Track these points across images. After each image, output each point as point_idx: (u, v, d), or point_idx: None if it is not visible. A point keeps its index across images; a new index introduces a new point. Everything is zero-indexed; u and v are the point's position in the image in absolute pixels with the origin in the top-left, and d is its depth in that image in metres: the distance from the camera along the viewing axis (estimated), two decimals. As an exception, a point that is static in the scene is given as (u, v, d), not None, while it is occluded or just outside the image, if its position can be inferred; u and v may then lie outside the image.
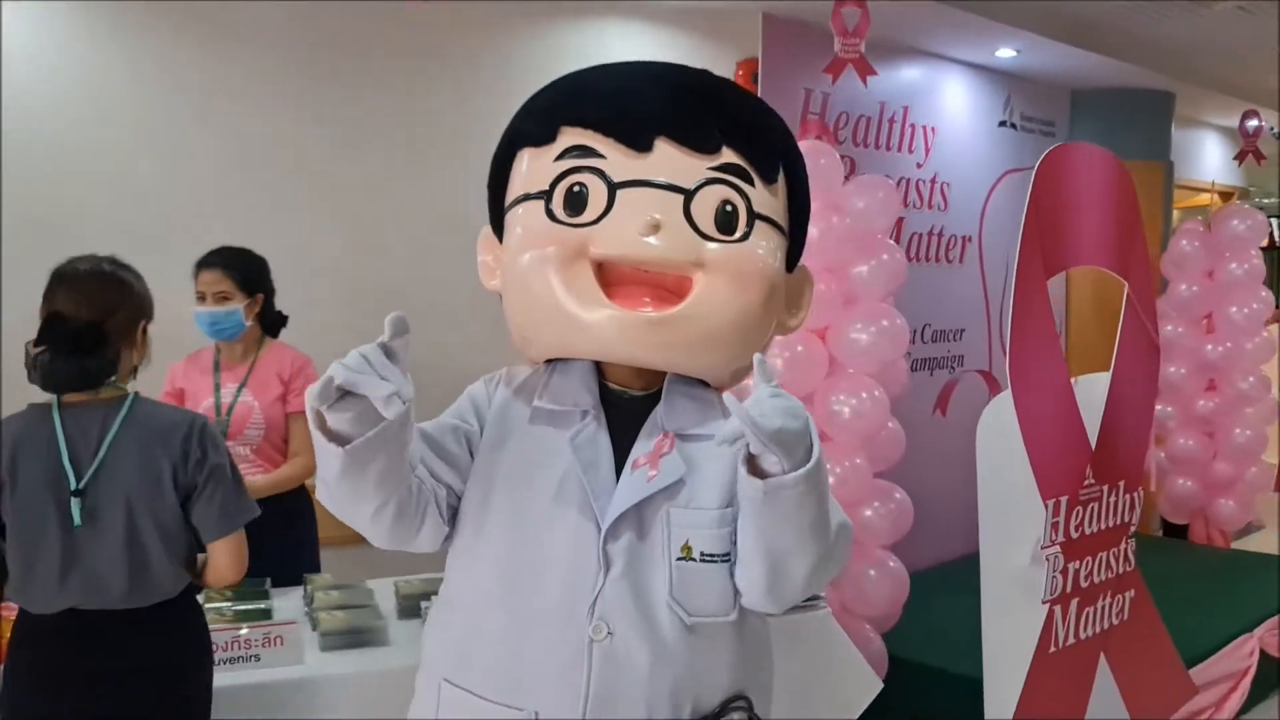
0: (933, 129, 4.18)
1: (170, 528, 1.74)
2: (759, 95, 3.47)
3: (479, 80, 3.57)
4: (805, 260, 2.87)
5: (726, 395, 1.14)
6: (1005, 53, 4.24)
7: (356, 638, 2.17)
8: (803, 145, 2.92)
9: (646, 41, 3.94)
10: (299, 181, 3.45)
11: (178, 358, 2.73)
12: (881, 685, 2.56)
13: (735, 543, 1.31)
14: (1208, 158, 6.57)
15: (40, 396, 1.76)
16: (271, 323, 2.73)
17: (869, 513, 2.99)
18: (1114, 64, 4.44)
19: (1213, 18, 4.12)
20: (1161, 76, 4.78)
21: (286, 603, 2.37)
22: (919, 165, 4.14)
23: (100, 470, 1.70)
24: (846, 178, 3.24)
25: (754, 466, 1.18)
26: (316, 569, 2.69)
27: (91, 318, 1.72)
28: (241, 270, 2.60)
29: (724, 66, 3.80)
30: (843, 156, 3.55)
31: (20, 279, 3.08)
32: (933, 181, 4.19)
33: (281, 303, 2.77)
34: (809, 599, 2.40)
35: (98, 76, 3.20)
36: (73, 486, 1.68)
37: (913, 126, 4.09)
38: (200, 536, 1.79)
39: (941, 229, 4.24)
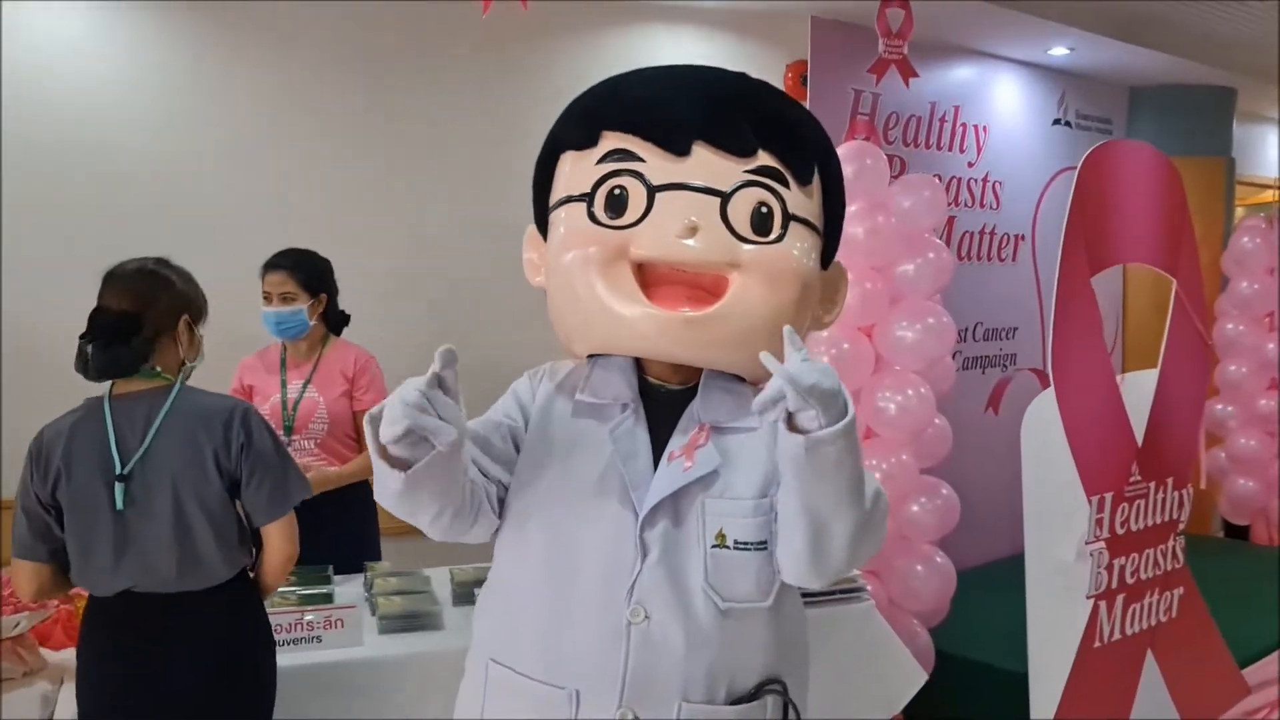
0: (984, 128, 4.17)
1: (217, 513, 1.80)
2: (808, 97, 3.53)
3: (530, 84, 3.67)
4: (851, 259, 2.91)
5: (764, 354, 1.18)
6: (1058, 51, 4.21)
7: (413, 621, 2.26)
8: (850, 146, 3.02)
9: (696, 45, 4.01)
10: (358, 184, 3.59)
11: (245, 354, 2.87)
12: (926, 678, 2.59)
13: (771, 530, 1.35)
14: (1271, 153, 6.42)
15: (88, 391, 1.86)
16: (335, 321, 2.85)
17: (915, 508, 3.02)
18: (1173, 60, 4.38)
19: (1275, 11, 4.05)
20: (1223, 72, 4.70)
21: (348, 589, 2.48)
22: (970, 164, 4.13)
23: (146, 457, 1.77)
24: (896, 177, 3.27)
25: (792, 426, 1.20)
26: (377, 557, 2.79)
27: (128, 309, 1.81)
28: (306, 271, 2.71)
29: (773, 69, 3.84)
30: (892, 157, 3.58)
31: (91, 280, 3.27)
32: (984, 180, 4.18)
33: (342, 302, 2.89)
34: (852, 590, 2.46)
35: (167, 81, 3.39)
36: (117, 472, 1.75)
37: (964, 126, 4.09)
38: (251, 521, 1.86)
39: (994, 228, 4.23)
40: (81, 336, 1.80)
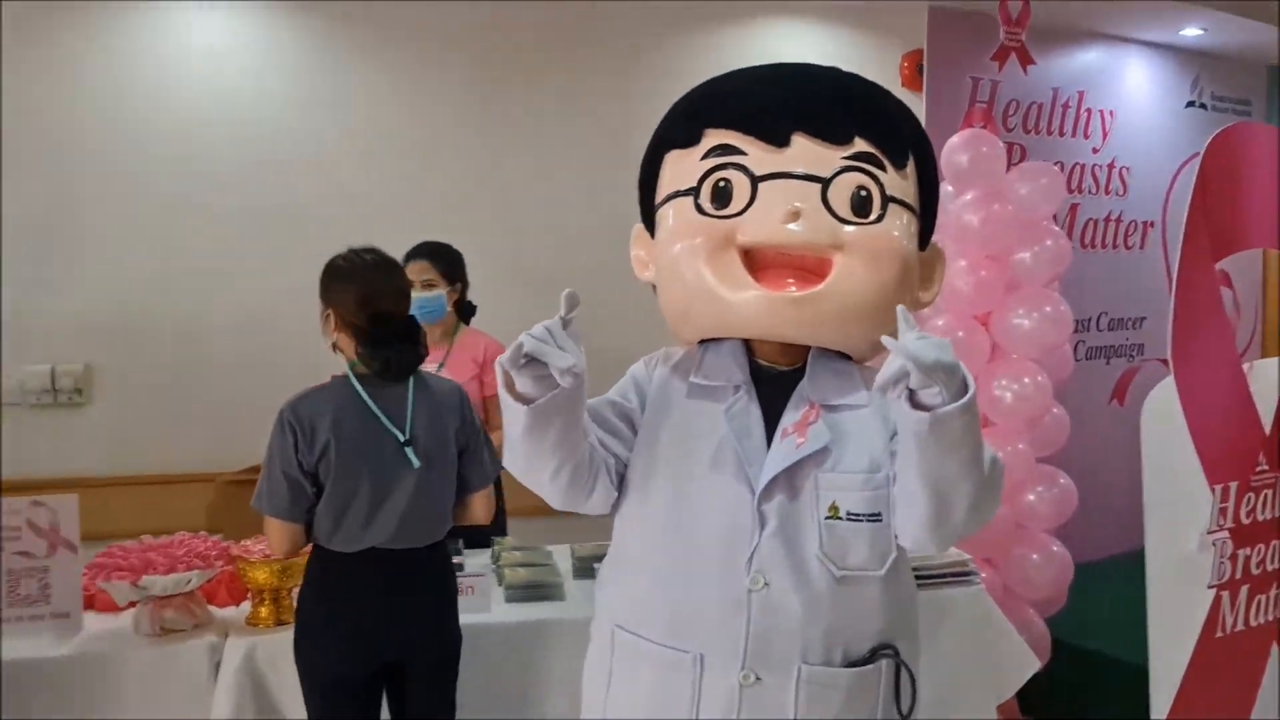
0: (1110, 112, 4.07)
1: (449, 481, 2.04)
2: (924, 86, 3.53)
3: (650, 81, 3.78)
4: (966, 247, 2.92)
5: (885, 337, 1.22)
6: (1191, 31, 4.07)
7: (537, 591, 2.40)
8: (965, 134, 3.02)
9: (812, 39, 4.05)
10: (486, 179, 3.80)
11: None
12: (1040, 665, 2.58)
13: (886, 502, 1.42)
14: None
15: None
16: (466, 311, 3.03)
17: (1031, 497, 3.00)
18: (1319, 35, 4.19)
19: None
20: (1375, 46, 4.45)
21: (476, 561, 2.63)
22: (1095, 150, 4.04)
23: (407, 430, 1.99)
24: (1015, 165, 3.25)
25: (914, 402, 1.23)
26: (503, 534, 2.95)
27: (407, 312, 2.03)
28: (445, 261, 2.92)
29: (889, 60, 3.86)
30: (1011, 144, 3.54)
31: (246, 265, 3.55)
32: (1110, 166, 4.08)
33: (471, 292, 3.07)
34: (963, 573, 2.49)
35: (305, 80, 3.67)
36: (402, 438, 1.98)
37: (1089, 111, 4.00)
38: (464, 488, 2.08)
39: (1120, 214, 4.12)
40: (365, 340, 1.97)
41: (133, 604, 2.21)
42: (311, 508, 1.97)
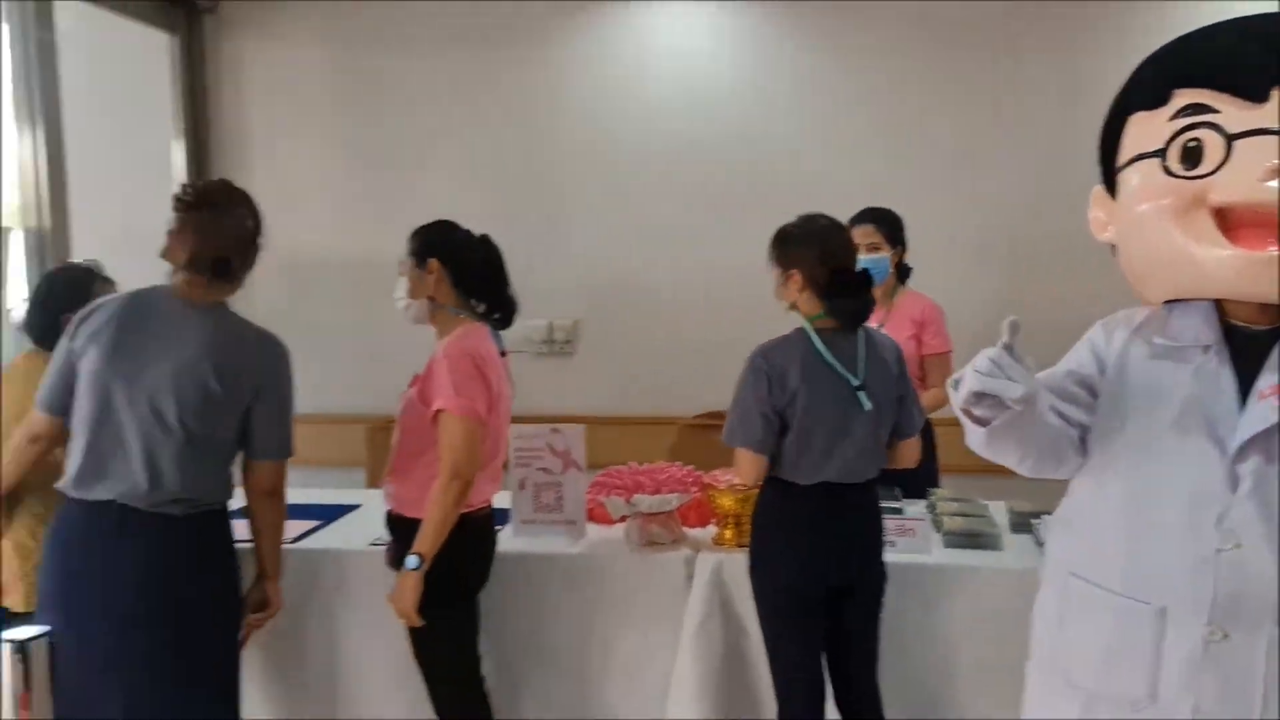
0: None
1: (889, 423, 2.25)
2: None
3: (1091, 53, 3.69)
4: None
5: None
6: None
7: (974, 539, 2.52)
8: None
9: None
10: (919, 154, 3.97)
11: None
12: None
13: None
14: None
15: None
16: (904, 272, 3.18)
17: None
18: None
19: None
20: None
21: (913, 509, 2.79)
22: None
23: (864, 377, 2.21)
24: None
25: None
26: (937, 485, 3.08)
27: (855, 263, 2.27)
28: (888, 225, 3.10)
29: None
30: None
31: (703, 236, 3.98)
32: None
33: (914, 259, 3.22)
34: None
35: (754, 75, 4.04)
36: (856, 383, 2.19)
37: None
38: (897, 433, 2.28)
39: None
40: (838, 295, 2.20)
41: (623, 518, 2.65)
42: (776, 443, 2.22)
